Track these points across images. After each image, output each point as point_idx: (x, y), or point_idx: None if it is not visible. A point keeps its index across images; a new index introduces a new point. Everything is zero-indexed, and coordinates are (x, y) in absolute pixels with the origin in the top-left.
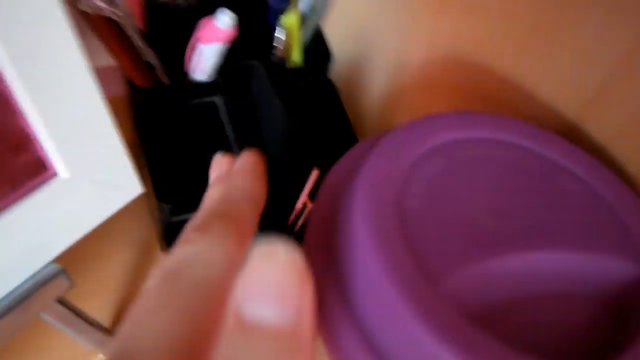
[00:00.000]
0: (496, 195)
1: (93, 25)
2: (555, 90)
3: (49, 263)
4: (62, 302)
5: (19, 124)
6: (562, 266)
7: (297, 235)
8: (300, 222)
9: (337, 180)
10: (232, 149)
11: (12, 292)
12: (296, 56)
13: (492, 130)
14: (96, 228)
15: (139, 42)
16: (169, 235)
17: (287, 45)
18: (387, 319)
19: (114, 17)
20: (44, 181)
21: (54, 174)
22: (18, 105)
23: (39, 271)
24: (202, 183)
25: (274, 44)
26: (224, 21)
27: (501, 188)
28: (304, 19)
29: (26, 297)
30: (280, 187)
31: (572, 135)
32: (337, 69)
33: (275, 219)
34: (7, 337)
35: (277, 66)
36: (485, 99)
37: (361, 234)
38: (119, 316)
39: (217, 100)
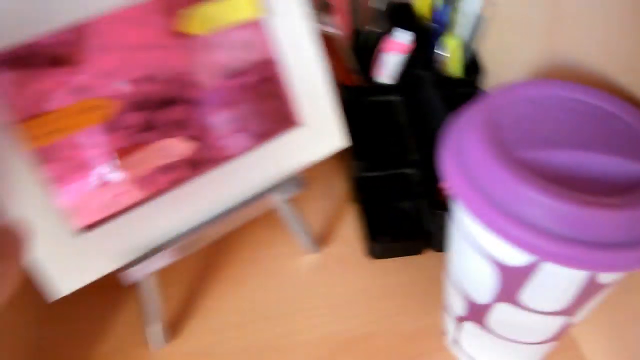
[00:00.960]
0: (560, 123)
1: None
2: None
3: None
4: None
5: (284, 90)
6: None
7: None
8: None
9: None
10: (405, 134)
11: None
12: (455, 69)
13: (570, 91)
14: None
15: (347, 54)
16: (359, 187)
17: (449, 61)
18: (494, 180)
19: (330, 34)
20: (291, 128)
21: (298, 123)
22: (284, 75)
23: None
24: (383, 151)
25: (440, 59)
26: (401, 37)
27: (564, 120)
28: (463, 41)
29: (266, 193)
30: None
31: None
32: (487, 80)
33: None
34: (239, 222)
35: (441, 76)
36: None
37: (478, 139)
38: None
39: (395, 98)
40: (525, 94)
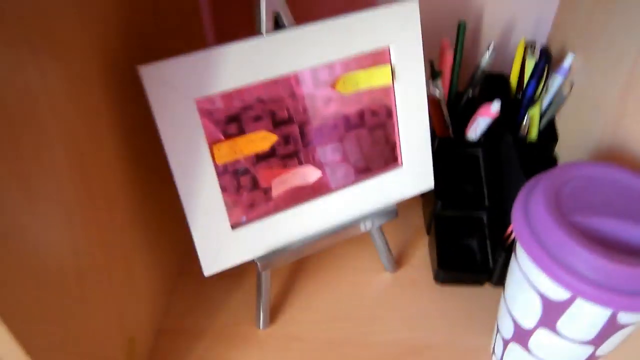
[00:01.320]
0: (606, 198)
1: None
2: None
3: (389, 205)
4: (379, 228)
5: (394, 137)
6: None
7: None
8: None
9: (529, 189)
10: (483, 186)
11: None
12: (533, 135)
13: (620, 173)
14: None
15: (445, 111)
16: (436, 222)
17: (529, 127)
18: (541, 227)
19: (436, 97)
20: (391, 168)
21: (399, 164)
22: (396, 122)
23: (379, 208)
24: (461, 195)
25: (522, 124)
26: (495, 106)
27: (610, 197)
28: (544, 111)
29: (366, 218)
30: (507, 216)
31: None
32: (559, 147)
33: (501, 230)
34: (342, 239)
35: (520, 139)
36: None
37: (542, 203)
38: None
39: (479, 152)
40: (585, 172)
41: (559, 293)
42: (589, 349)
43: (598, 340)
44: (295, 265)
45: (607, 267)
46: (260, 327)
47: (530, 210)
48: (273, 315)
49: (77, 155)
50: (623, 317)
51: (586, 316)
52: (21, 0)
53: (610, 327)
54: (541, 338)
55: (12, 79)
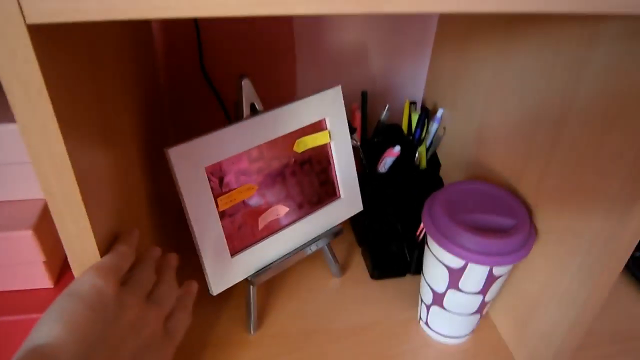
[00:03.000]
0: (476, 200)
1: None
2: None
3: (335, 225)
4: (328, 244)
5: (332, 177)
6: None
7: (422, 239)
8: (421, 234)
9: (430, 201)
10: (394, 202)
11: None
12: (423, 164)
13: (478, 185)
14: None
15: (361, 154)
16: (366, 234)
17: (420, 159)
18: (441, 223)
19: (354, 144)
20: (333, 199)
21: (338, 196)
22: (334, 167)
23: (330, 228)
24: (381, 212)
25: (415, 158)
26: (397, 148)
27: (477, 199)
28: (428, 147)
29: (319, 238)
30: (415, 220)
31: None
32: (442, 171)
33: (412, 233)
34: (305, 255)
35: (414, 168)
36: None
37: (440, 208)
38: (341, 267)
39: (389, 181)
40: (462, 187)
41: (456, 262)
42: (480, 297)
43: (484, 289)
44: (270, 281)
45: (482, 241)
46: (252, 332)
47: (433, 213)
48: (259, 320)
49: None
50: (496, 271)
51: (475, 274)
52: (92, 107)
53: (490, 279)
54: (450, 296)
55: (91, 157)
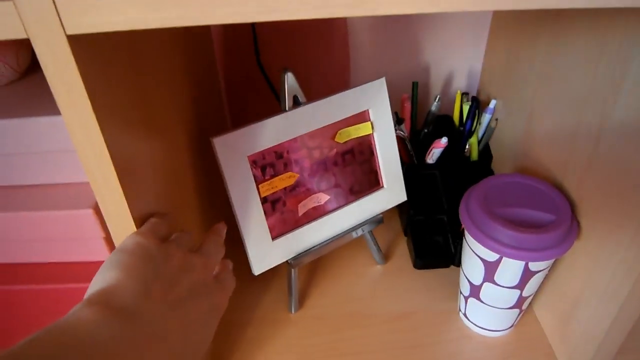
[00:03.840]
0: (516, 194)
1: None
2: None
3: (376, 215)
4: (370, 232)
5: (376, 167)
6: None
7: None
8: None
9: (468, 194)
10: (442, 196)
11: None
12: (475, 156)
13: (519, 178)
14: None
15: (408, 146)
16: (411, 225)
17: (471, 151)
18: (476, 216)
19: (402, 136)
20: (376, 189)
21: (381, 186)
22: (377, 158)
23: (369, 218)
24: (427, 204)
25: (465, 149)
26: (444, 140)
27: (518, 193)
28: (480, 139)
29: (360, 226)
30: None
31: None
32: (493, 163)
33: (458, 225)
34: (345, 242)
35: (465, 160)
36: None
37: (475, 199)
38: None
39: (437, 172)
40: (502, 179)
41: (490, 255)
42: (517, 292)
43: (521, 284)
44: (313, 265)
45: (517, 236)
46: (292, 312)
47: (469, 207)
48: (300, 301)
49: (171, 191)
50: (532, 266)
51: (510, 268)
52: (133, 101)
53: (527, 274)
54: (486, 289)
55: (138, 148)
